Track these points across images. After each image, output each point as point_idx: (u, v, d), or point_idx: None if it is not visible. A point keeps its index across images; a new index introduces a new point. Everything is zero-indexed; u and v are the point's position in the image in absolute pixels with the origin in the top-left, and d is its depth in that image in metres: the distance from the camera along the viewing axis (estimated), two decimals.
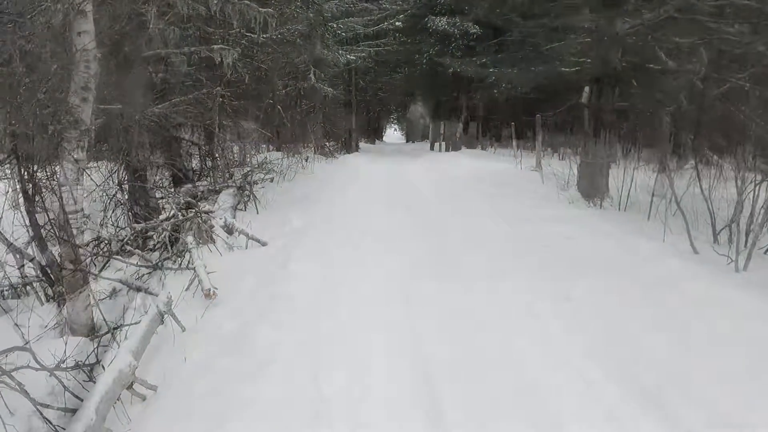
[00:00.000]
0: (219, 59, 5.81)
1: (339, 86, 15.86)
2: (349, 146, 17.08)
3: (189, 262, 3.84)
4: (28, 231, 3.21)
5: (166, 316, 2.89)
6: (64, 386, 2.11)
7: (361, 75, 17.98)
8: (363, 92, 19.96)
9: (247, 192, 6.50)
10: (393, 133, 39.91)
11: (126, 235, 4.33)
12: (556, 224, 5.18)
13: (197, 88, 6.42)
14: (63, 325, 2.90)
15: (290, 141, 12.01)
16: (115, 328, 2.95)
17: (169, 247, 4.23)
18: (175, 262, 4.04)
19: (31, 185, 3.07)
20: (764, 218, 3.86)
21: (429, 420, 2.11)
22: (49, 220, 2.96)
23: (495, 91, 15.13)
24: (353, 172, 10.49)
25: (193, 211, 4.61)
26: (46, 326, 2.84)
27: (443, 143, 17.72)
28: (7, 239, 3.28)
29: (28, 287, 3.32)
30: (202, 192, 6.32)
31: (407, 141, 36.22)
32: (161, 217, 4.82)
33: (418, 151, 19.18)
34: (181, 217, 4.54)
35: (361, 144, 20.86)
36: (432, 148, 19.36)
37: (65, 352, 2.24)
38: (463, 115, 17.85)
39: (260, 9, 5.98)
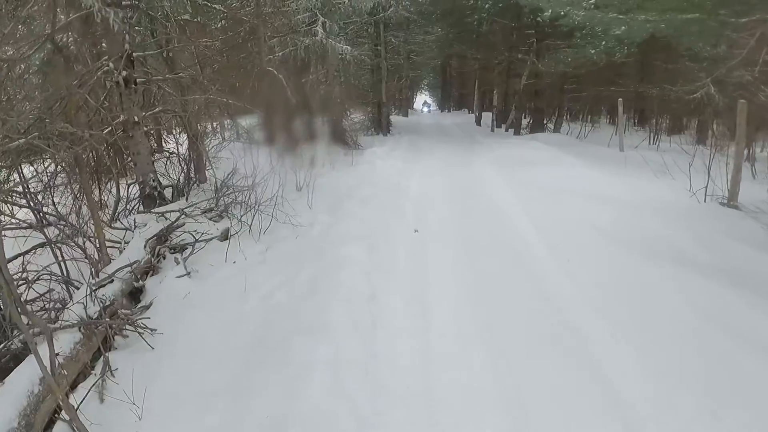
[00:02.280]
0: None
1: (363, 45, 14.60)
2: (379, 125, 15.78)
3: None
4: None
5: None
6: None
7: (393, 30, 16.65)
8: (395, 53, 18.65)
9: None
10: (422, 103, 39.07)
11: None
12: None
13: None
14: None
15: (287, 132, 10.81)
16: None
17: None
18: None
19: None
20: None
21: None
22: None
23: (592, 50, 13.14)
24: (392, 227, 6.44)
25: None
26: None
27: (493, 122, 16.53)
28: None
29: None
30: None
31: (442, 110, 35.45)
32: None
33: (469, 130, 17.87)
34: None
35: (392, 117, 19.54)
36: (492, 129, 18.07)
37: None
38: (523, 82, 16.26)
39: None
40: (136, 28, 6.20)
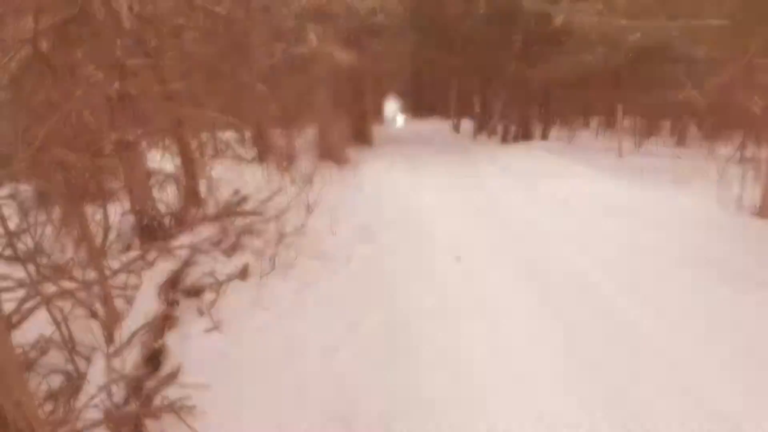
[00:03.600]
0: None
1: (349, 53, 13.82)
2: (363, 137, 14.98)
3: None
4: None
5: None
6: None
7: (375, 37, 15.95)
8: (376, 61, 17.93)
9: None
10: (391, 110, 38.12)
11: None
12: None
13: None
14: None
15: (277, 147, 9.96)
16: None
17: None
18: None
19: None
20: None
21: None
22: None
23: (589, 56, 12.70)
24: None
25: None
26: None
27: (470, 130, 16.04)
28: None
29: None
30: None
31: (413, 117, 35.20)
32: None
33: (451, 138, 17.30)
34: None
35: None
36: (474, 136, 17.50)
37: None
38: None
39: None
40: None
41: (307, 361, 3.48)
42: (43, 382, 3.12)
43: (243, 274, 4.92)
